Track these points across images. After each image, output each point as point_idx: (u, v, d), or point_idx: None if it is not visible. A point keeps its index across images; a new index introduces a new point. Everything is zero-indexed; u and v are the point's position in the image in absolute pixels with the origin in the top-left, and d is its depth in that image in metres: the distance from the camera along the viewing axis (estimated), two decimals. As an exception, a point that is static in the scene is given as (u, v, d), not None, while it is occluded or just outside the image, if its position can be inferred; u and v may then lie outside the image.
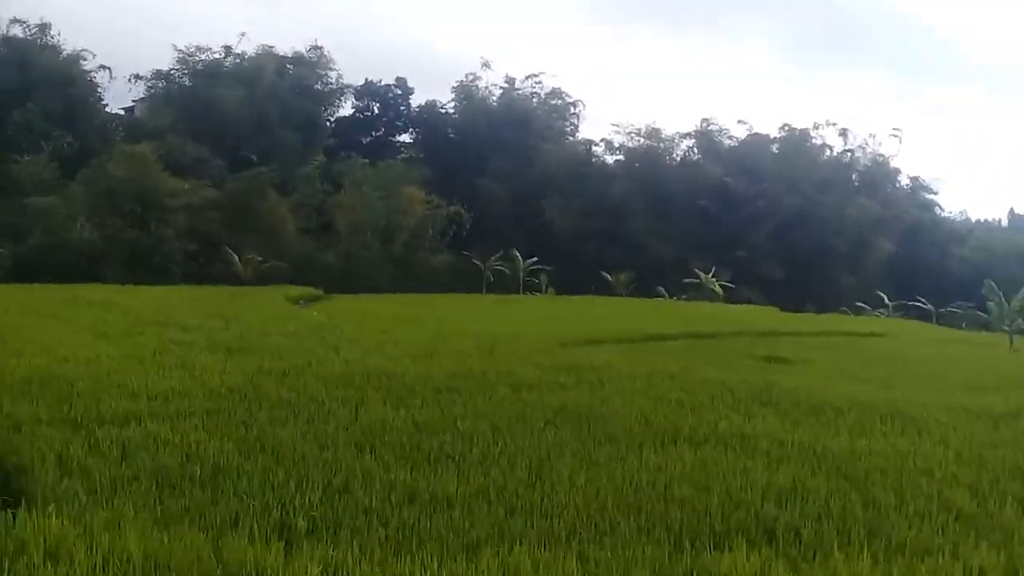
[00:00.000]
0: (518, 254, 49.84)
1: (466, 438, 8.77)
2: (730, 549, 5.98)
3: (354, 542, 5.63)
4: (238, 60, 64.06)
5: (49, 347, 12.62)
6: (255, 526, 5.78)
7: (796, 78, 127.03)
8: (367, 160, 50.84)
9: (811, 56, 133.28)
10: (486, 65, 67.58)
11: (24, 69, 55.57)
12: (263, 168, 44.64)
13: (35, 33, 58.93)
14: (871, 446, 9.50)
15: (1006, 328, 29.29)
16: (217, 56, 63.52)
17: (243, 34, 64.83)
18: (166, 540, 5.13)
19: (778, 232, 62.22)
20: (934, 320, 46.78)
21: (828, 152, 70.18)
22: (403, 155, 67.10)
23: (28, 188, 41.68)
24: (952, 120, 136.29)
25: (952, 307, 42.37)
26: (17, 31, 58.17)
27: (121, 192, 38.01)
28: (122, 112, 64.56)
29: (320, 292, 32.75)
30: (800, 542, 6.38)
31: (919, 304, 47.09)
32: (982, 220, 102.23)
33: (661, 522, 6.54)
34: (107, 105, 63.05)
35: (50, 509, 5.36)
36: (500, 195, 60.66)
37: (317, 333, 16.77)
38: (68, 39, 60.07)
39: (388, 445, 8.28)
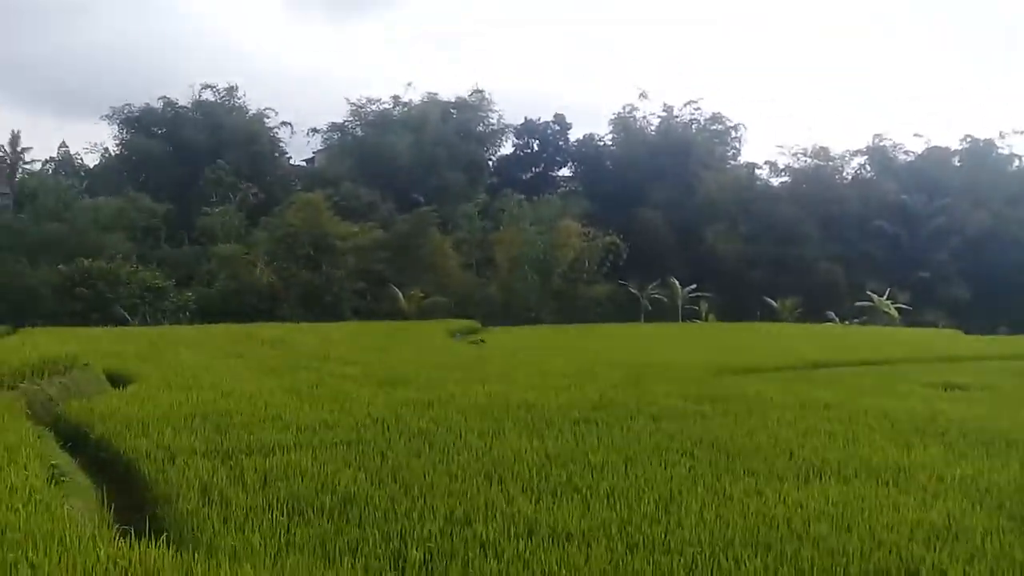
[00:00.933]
0: (676, 281, 49.05)
1: (596, 470, 8.65)
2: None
3: (467, 574, 5.67)
4: (405, 108, 67.61)
5: (217, 382, 13.56)
6: (371, 556, 5.94)
7: (975, 86, 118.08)
8: (524, 196, 51.85)
9: (989, 61, 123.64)
10: (643, 95, 67.71)
11: (215, 129, 60.97)
12: (427, 208, 46.52)
13: (224, 96, 64.68)
14: (1046, 481, 8.60)
15: None
16: (386, 106, 67.42)
17: (410, 84, 68.40)
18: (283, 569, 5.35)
19: (964, 250, 58.13)
20: None
21: (1017, 163, 65.11)
22: (563, 189, 68.08)
23: (218, 236, 45.45)
24: None
25: None
26: (208, 95, 63.99)
27: (297, 237, 40.74)
28: (303, 164, 69.50)
29: (478, 325, 33.52)
30: (949, 588, 5.86)
31: None
32: None
33: (791, 562, 6.18)
34: (290, 158, 68.25)
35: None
36: (661, 224, 60.06)
37: (467, 365, 17.13)
38: (253, 99, 65.33)
39: (516, 476, 8.29)
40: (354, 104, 65.89)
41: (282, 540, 6.26)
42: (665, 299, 49.19)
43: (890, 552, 6.40)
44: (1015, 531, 6.92)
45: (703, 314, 48.40)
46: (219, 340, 21.76)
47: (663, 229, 59.60)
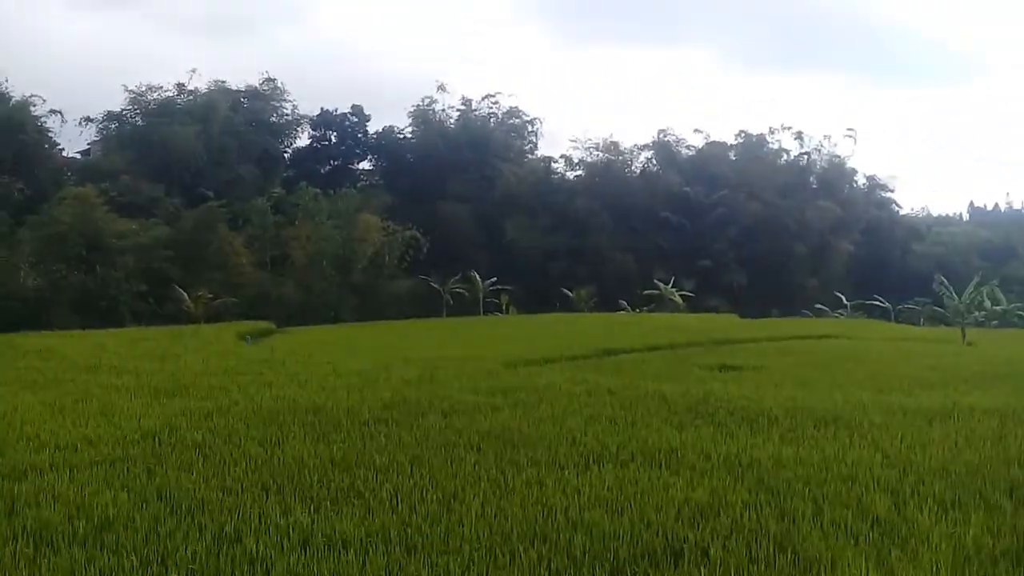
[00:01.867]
0: (477, 275, 49.68)
1: (381, 472, 8.49)
2: None
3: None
4: (191, 97, 63.85)
5: (-35, 401, 12.19)
6: (127, 584, 5.49)
7: (750, 85, 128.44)
8: (320, 190, 50.59)
9: (764, 64, 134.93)
10: (442, 88, 68.00)
11: (-29, 118, 54.69)
12: (214, 203, 44.19)
13: (-19, 81, 58.25)
14: (799, 454, 9.32)
15: (959, 322, 29.53)
16: (169, 94, 63.35)
17: (194, 70, 64.46)
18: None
19: (740, 239, 62.74)
20: (892, 318, 47.13)
21: (785, 156, 71.05)
22: (363, 182, 67.15)
23: (-24, 237, 40.99)
24: (907, 118, 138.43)
25: (910, 304, 42.72)
26: (-37, 80, 57.45)
27: (67, 236, 37.43)
28: (78, 156, 63.91)
29: (272, 326, 32.31)
30: (707, 562, 6.17)
31: (877, 303, 47.46)
32: (944, 215, 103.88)
33: (564, 551, 6.31)
34: (63, 150, 62.50)
35: None
36: (462, 217, 60.64)
37: (255, 370, 16.41)
38: (16, 86, 59.40)
39: (296, 486, 7.98)
40: (132, 92, 61.43)
41: (25, 573, 5.68)
42: (466, 293, 49.63)
43: (657, 533, 6.68)
44: (771, 504, 7.43)
45: (504, 306, 49.30)
46: (-27, 353, 19.61)
47: (464, 223, 60.22)
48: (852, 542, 6.57)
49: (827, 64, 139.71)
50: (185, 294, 37.52)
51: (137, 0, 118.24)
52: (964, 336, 27.37)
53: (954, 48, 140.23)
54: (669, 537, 6.61)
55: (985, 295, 34.96)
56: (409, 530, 6.77)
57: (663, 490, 7.92)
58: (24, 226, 40.20)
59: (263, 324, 32.15)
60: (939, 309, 36.71)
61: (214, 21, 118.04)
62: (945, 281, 28.74)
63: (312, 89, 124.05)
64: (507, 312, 47.45)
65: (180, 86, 64.07)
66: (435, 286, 48.19)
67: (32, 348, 20.41)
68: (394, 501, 7.56)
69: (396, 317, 37.63)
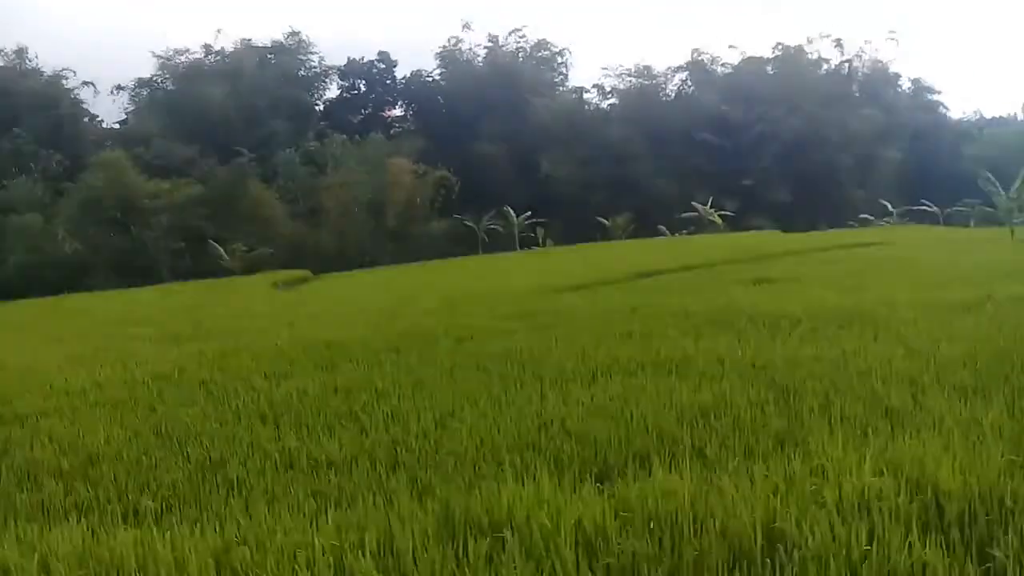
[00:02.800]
0: (511, 210, 49.17)
1: (382, 396, 8.35)
2: (620, 476, 5.51)
3: (205, 514, 5.22)
4: (218, 58, 63.87)
5: (-5, 357, 12.36)
6: (103, 512, 5.41)
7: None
8: (347, 137, 50.23)
9: None
10: (467, 27, 66.77)
11: (6, 96, 55.48)
12: (244, 158, 44.28)
13: (13, 60, 58.96)
14: (817, 352, 8.94)
15: (1009, 221, 28.36)
16: (197, 56, 63.44)
17: (219, 30, 64.22)
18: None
19: (783, 155, 61.06)
20: (941, 221, 45.56)
21: (826, 66, 68.61)
22: (396, 128, 66.80)
23: (20, 209, 41.78)
24: (954, 19, 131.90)
25: (959, 206, 40.96)
26: (-1, 60, 58.22)
27: (100, 200, 37.85)
28: (116, 125, 64.59)
29: (308, 273, 32.43)
30: (704, 461, 5.88)
31: (925, 207, 45.83)
32: (997, 117, 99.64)
33: (553, 457, 6.07)
34: (102, 121, 63.21)
35: None
36: (496, 156, 59.94)
37: (278, 313, 16.41)
38: (47, 61, 59.97)
39: (295, 414, 7.87)
40: (161, 57, 61.60)
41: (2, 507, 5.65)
42: (501, 229, 49.22)
43: (654, 437, 6.40)
44: (776, 402, 7.09)
45: (541, 240, 48.84)
46: (16, 315, 20.00)
47: (499, 160, 59.55)
48: (859, 432, 6.21)
49: None
50: (221, 248, 37.86)
51: None
52: (1013, 233, 26.25)
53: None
54: (664, 439, 6.33)
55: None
56: (398, 448, 6.60)
57: (667, 395, 7.63)
58: (63, 196, 40.82)
59: (299, 272, 32.30)
60: (990, 209, 35.37)
61: None
62: (992, 178, 27.48)
63: (339, 38, 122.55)
64: (544, 245, 47.01)
65: (207, 47, 64.17)
66: (470, 224, 47.87)
67: (74, 308, 20.74)
68: (388, 422, 7.41)
69: (433, 258, 37.49)
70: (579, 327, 11.94)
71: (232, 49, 63.70)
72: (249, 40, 64.58)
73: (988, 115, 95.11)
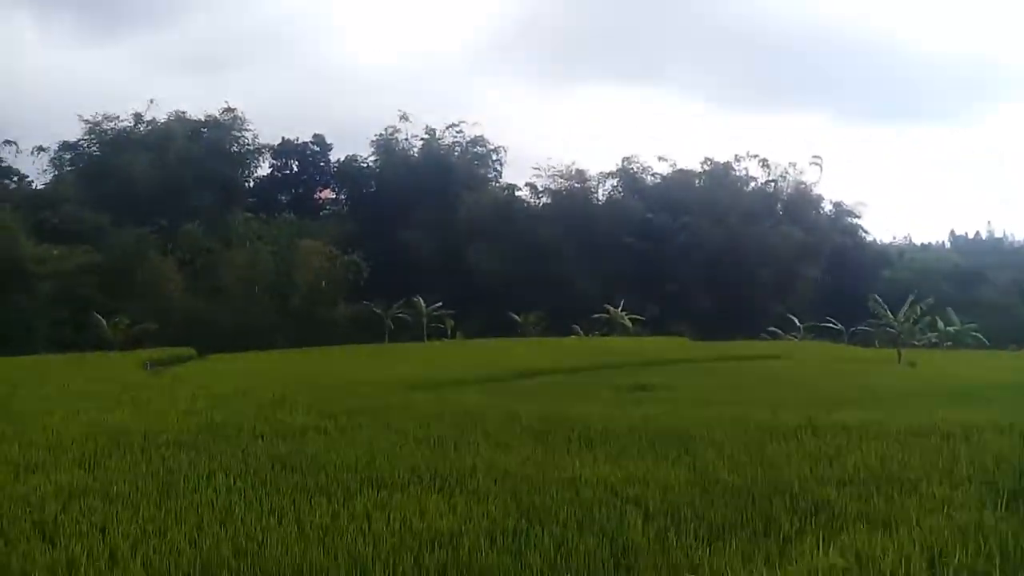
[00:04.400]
0: (421, 300, 48.56)
1: (116, 501, 7.46)
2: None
3: None
4: (148, 127, 63.24)
5: None
6: None
7: (723, 123, 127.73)
8: (254, 215, 49.44)
9: (737, 102, 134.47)
10: (404, 118, 67.34)
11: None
12: (146, 229, 43.05)
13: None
14: (594, 473, 8.36)
15: (904, 343, 28.66)
16: (126, 124, 62.72)
17: (151, 100, 63.55)
18: None
19: (706, 265, 61.94)
20: (845, 339, 46.19)
21: (753, 184, 70.57)
22: (326, 211, 66.51)
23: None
24: (887, 151, 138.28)
25: (864, 326, 41.75)
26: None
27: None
28: (39, 186, 62.76)
29: (191, 352, 31.10)
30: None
31: (830, 325, 46.56)
32: (926, 243, 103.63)
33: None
34: (32, 181, 61.37)
35: None
36: (423, 245, 59.75)
37: (114, 393, 15.34)
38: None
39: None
40: (89, 122, 60.72)
41: None
42: (409, 319, 48.47)
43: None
44: (514, 531, 6.42)
45: (450, 332, 48.13)
46: None
47: (425, 250, 59.34)
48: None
49: (807, 103, 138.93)
50: (104, 320, 36.22)
51: (117, 39, 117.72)
52: (900, 357, 26.43)
53: (944, 85, 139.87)
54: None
55: (939, 318, 34.07)
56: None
57: (415, 515, 6.91)
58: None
59: (181, 350, 30.92)
60: (892, 330, 35.84)
61: (180, 59, 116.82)
62: (880, 300, 27.87)
63: (275, 120, 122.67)
64: (453, 336, 46.29)
65: (137, 115, 63.45)
66: (377, 311, 47.01)
67: None
68: (86, 536, 6.51)
69: (337, 343, 36.43)
70: (395, 429, 11.17)
71: (164, 120, 63.18)
72: (183, 113, 64.28)
73: (917, 241, 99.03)
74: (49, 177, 62.57)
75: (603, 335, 46.25)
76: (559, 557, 5.85)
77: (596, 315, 49.72)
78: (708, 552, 5.91)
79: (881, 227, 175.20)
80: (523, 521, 6.68)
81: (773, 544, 5.97)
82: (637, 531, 6.37)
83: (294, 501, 7.48)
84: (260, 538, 6.38)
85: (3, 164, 58.82)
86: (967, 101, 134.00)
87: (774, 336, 50.41)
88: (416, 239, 59.86)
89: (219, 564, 5.78)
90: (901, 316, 27.06)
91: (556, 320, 51.10)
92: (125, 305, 38.30)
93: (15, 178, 60.34)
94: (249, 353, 31.00)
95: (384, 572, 5.50)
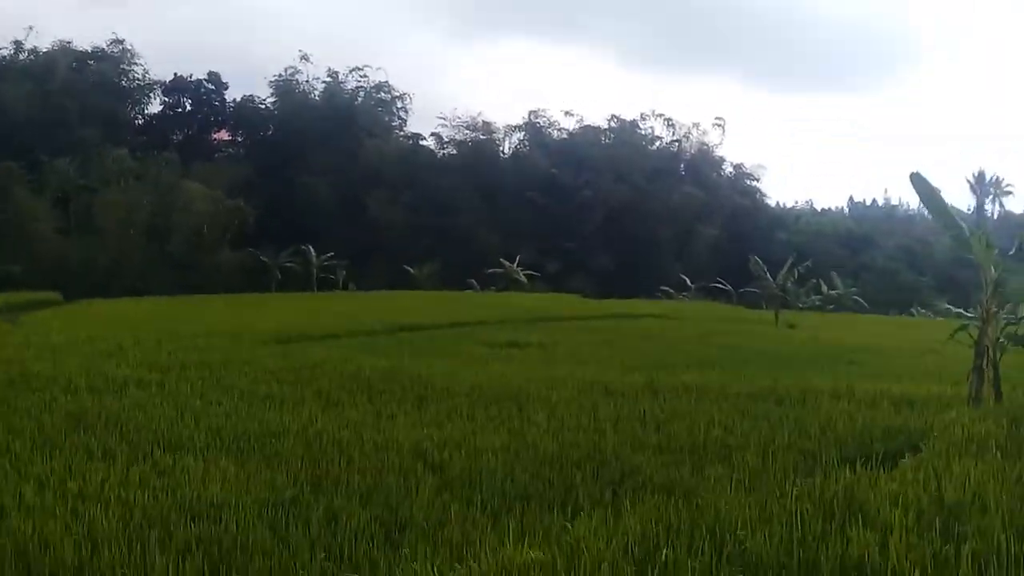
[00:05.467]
0: (311, 248, 47.22)
1: None
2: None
3: None
4: (31, 57, 59.37)
5: None
6: None
7: (632, 81, 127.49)
8: (130, 152, 46.97)
9: (648, 61, 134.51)
10: (305, 58, 64.79)
11: None
12: (10, 164, 40.35)
13: None
14: (409, 435, 7.99)
15: (799, 306, 29.23)
16: (5, 52, 58.75)
17: (31, 28, 59.23)
18: None
19: (607, 222, 62.13)
20: (734, 300, 47.15)
21: (658, 143, 70.95)
22: (220, 153, 63.96)
23: None
24: (792, 117, 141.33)
25: (751, 287, 42.63)
26: None
27: None
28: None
29: (56, 297, 29.40)
30: None
31: (719, 285, 47.47)
32: (827, 208, 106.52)
33: None
34: None
35: None
36: (321, 192, 58.00)
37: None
38: None
39: None
40: (-39, 49, 56.53)
41: None
42: (299, 268, 47.15)
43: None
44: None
45: (341, 283, 47.07)
46: None
47: (324, 197, 57.65)
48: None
49: (717, 65, 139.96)
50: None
51: None
52: (777, 318, 26.97)
53: (854, 52, 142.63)
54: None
55: (822, 281, 34.89)
56: None
57: (194, 485, 6.36)
58: None
59: (47, 295, 29.18)
60: (782, 294, 36.59)
61: None
62: (759, 261, 28.30)
63: (169, 56, 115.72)
64: (345, 288, 45.26)
65: (17, 43, 59.32)
66: (264, 260, 45.52)
67: None
68: None
69: (219, 292, 35.05)
70: (222, 385, 10.54)
71: (47, 49, 59.32)
72: (68, 42, 60.38)
73: (818, 207, 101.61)
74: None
75: (500, 290, 45.92)
76: (326, 532, 5.42)
77: (491, 270, 49.34)
78: (489, 528, 5.58)
79: (782, 191, 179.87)
80: (304, 490, 6.23)
81: (556, 520, 5.66)
82: (422, 503, 5.98)
83: (69, 466, 6.86)
84: (6, 506, 5.77)
85: None
86: (873, 69, 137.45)
87: (668, 296, 51.08)
88: (314, 185, 58.02)
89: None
90: (780, 278, 27.57)
91: (453, 274, 50.55)
92: (-11, 246, 35.97)
93: None
94: (116, 300, 29.44)
95: (117, 549, 4.95)
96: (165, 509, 5.72)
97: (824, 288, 38.86)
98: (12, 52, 59.19)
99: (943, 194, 10.75)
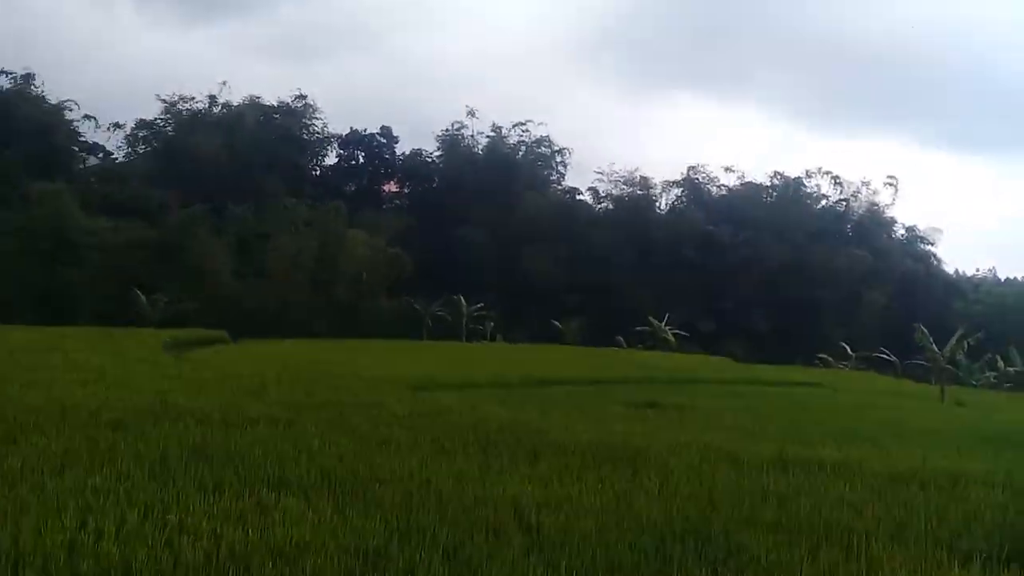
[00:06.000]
0: (462, 299, 48.14)
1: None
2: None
3: None
4: (223, 110, 64.58)
5: None
6: None
7: (799, 139, 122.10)
8: (298, 200, 49.90)
9: (816, 116, 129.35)
10: (471, 114, 67.19)
11: (6, 118, 55.71)
12: (198, 208, 43.69)
13: (20, 83, 59.58)
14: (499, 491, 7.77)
15: (973, 382, 27.07)
16: (201, 105, 64.16)
17: (224, 83, 64.76)
18: None
19: (766, 283, 60.10)
20: (899, 372, 44.02)
21: (824, 202, 68.33)
22: (388, 204, 66.96)
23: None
24: (973, 179, 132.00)
25: (918, 359, 39.63)
26: (3, 81, 58.99)
27: (34, 233, 36.90)
28: (111, 159, 64.54)
29: (222, 335, 31.23)
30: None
31: (883, 356, 44.46)
32: (1011, 278, 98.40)
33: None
34: (112, 155, 63.22)
35: None
36: (480, 243, 59.48)
37: (89, 374, 15.30)
38: (54, 89, 60.62)
39: None
40: (165, 101, 62.38)
41: None
42: (449, 317, 48.13)
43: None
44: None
45: (489, 334, 47.60)
46: None
47: (482, 248, 59.08)
48: None
49: (897, 123, 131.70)
50: (143, 297, 36.74)
51: (208, 24, 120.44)
52: (944, 394, 24.87)
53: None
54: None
55: (999, 356, 32.18)
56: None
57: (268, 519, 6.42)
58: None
59: (213, 333, 31.09)
60: (951, 368, 33.96)
61: (266, 47, 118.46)
62: (925, 331, 26.26)
63: (348, 110, 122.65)
64: (492, 339, 45.74)
65: (212, 98, 64.89)
66: (417, 307, 46.79)
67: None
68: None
69: (376, 336, 36.29)
70: (344, 427, 10.74)
71: (237, 103, 64.45)
72: (258, 97, 65.44)
73: (1002, 275, 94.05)
74: (123, 153, 64.78)
75: (646, 349, 45.12)
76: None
77: (639, 328, 48.61)
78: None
79: (963, 259, 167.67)
80: (393, 539, 6.15)
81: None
82: (507, 563, 5.77)
83: (178, 495, 7.10)
84: (105, 530, 6.02)
85: (81, 138, 60.62)
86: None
87: (825, 364, 48.45)
88: (473, 237, 59.65)
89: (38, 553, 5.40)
90: (948, 349, 25.50)
91: (601, 330, 50.16)
92: (170, 284, 38.92)
93: (100, 154, 62.21)
94: (276, 340, 31.02)
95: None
96: (252, 546, 5.78)
97: (1001, 364, 35.73)
98: (207, 106, 64.74)
99: None
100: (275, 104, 65.70)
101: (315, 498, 7.32)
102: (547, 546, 6.33)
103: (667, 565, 6.09)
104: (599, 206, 67.08)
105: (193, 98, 63.49)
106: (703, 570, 6.04)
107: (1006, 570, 5.69)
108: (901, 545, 6.81)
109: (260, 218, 47.16)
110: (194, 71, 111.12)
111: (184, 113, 63.34)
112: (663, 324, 47.81)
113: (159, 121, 63.67)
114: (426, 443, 10.18)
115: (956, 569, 6.04)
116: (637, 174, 65.83)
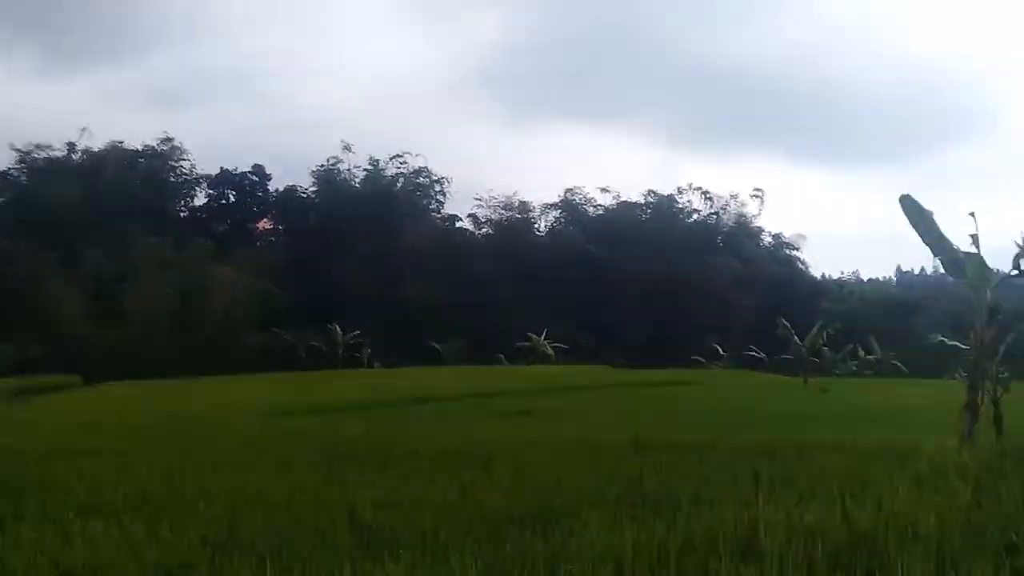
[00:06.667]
0: (337, 328, 47.32)
1: None
2: None
3: None
4: (83, 156, 61.91)
5: None
6: None
7: (671, 160, 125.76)
8: (161, 241, 48.33)
9: (687, 141, 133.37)
10: (347, 148, 66.25)
11: None
12: (45, 255, 41.53)
13: None
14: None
15: (836, 372, 28.18)
16: (59, 153, 61.29)
17: (84, 129, 61.74)
18: None
19: (642, 295, 61.50)
20: (766, 367, 45.84)
21: (695, 216, 70.63)
22: (262, 240, 65.38)
23: None
24: (834, 188, 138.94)
25: (787, 355, 41.26)
26: None
27: None
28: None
29: (74, 380, 29.56)
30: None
31: (753, 353, 46.13)
32: (874, 278, 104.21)
33: None
34: None
35: None
36: (359, 275, 58.59)
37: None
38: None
39: None
40: (20, 151, 59.44)
41: None
42: (324, 347, 47.17)
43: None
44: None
45: (366, 361, 46.89)
46: None
47: (360, 280, 58.18)
48: None
49: (758, 143, 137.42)
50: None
51: (74, 74, 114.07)
52: (806, 382, 25.85)
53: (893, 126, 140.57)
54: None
55: (859, 346, 33.72)
56: None
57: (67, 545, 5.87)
58: None
59: (65, 378, 29.38)
60: (816, 360, 35.41)
61: (136, 95, 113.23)
62: (787, 324, 27.32)
63: (221, 154, 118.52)
64: (370, 366, 45.05)
65: (71, 145, 62.02)
66: (287, 339, 45.66)
67: None
68: None
69: (246, 372, 35.01)
70: (177, 453, 10.13)
71: (98, 149, 61.85)
72: (120, 142, 62.89)
73: (865, 276, 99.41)
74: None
75: (528, 364, 45.29)
76: None
77: (518, 344, 48.86)
78: None
79: (829, 263, 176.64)
80: (205, 553, 5.70)
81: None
82: (328, 561, 5.41)
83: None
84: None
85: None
86: (917, 142, 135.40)
87: (700, 365, 49.90)
88: (350, 266, 58.79)
89: None
90: (808, 340, 26.56)
91: (483, 350, 50.12)
92: (19, 332, 36.67)
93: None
94: (132, 383, 29.39)
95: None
96: (39, 571, 5.23)
97: (862, 353, 37.43)
98: (65, 153, 61.77)
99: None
100: (140, 148, 63.39)
101: (129, 521, 6.79)
102: (376, 542, 6.01)
103: (500, 549, 5.86)
104: (480, 231, 67.30)
105: (50, 146, 60.76)
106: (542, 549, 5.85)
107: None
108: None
109: (119, 261, 44.94)
110: (56, 120, 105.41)
111: (40, 161, 60.32)
112: (542, 339, 48.12)
113: (12, 171, 60.52)
114: (268, 462, 9.71)
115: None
116: (516, 199, 66.56)
